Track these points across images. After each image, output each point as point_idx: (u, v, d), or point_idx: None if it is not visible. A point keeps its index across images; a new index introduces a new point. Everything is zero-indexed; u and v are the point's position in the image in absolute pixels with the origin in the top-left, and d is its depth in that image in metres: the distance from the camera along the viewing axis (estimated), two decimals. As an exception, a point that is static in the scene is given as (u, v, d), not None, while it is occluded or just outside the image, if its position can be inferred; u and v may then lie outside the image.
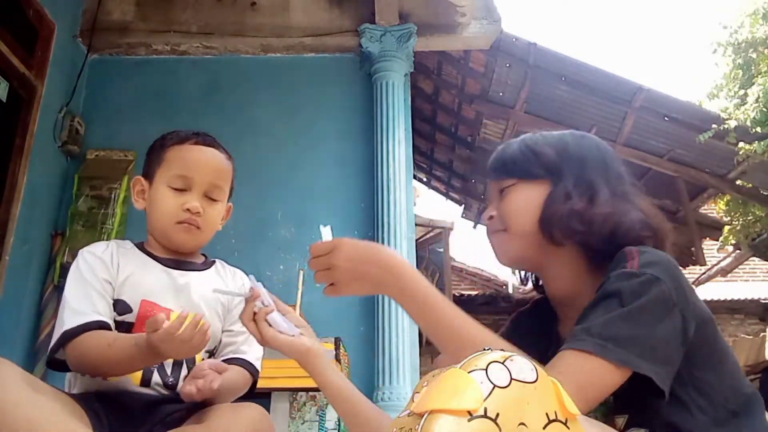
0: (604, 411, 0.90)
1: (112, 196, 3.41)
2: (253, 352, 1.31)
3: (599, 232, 0.96)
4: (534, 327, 1.12)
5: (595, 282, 0.96)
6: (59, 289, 3.27)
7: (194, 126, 3.77)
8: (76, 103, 3.64)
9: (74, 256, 3.40)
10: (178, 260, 1.31)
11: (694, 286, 0.96)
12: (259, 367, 1.31)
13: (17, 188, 3.10)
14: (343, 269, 1.00)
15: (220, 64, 3.90)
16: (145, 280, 1.24)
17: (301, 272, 3.21)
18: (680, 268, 0.92)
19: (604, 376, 0.82)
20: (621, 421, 0.90)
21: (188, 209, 1.25)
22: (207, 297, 1.28)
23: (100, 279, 1.21)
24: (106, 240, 3.28)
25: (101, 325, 1.15)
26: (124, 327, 1.20)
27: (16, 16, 3.13)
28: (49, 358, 1.20)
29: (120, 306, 1.21)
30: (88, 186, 3.44)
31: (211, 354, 1.29)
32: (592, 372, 0.81)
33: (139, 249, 1.32)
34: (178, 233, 1.27)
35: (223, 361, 1.25)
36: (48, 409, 0.91)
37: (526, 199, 1.04)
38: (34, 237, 3.25)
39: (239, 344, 1.29)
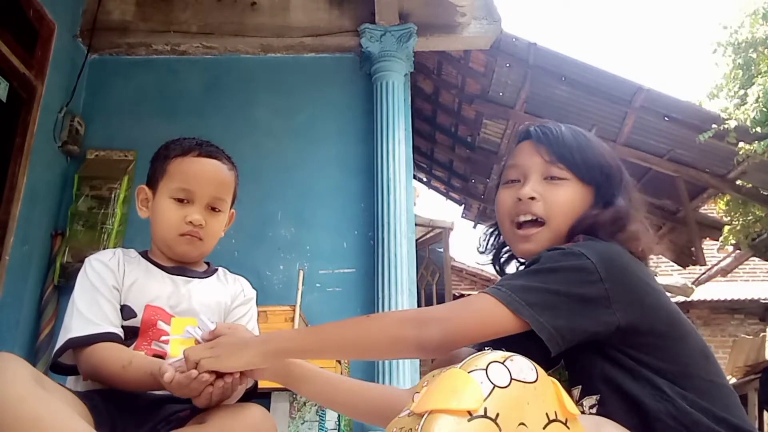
0: (566, 387, 0.91)
1: (112, 196, 3.40)
2: None
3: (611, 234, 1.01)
4: None
5: None
6: (59, 289, 3.27)
7: (194, 126, 3.75)
8: (76, 103, 3.64)
9: (74, 256, 3.42)
10: (181, 268, 1.34)
11: (652, 279, 0.99)
12: None
13: (17, 188, 3.10)
14: (222, 342, 1.04)
15: (220, 64, 3.90)
16: (150, 287, 1.27)
17: (301, 272, 3.21)
18: (634, 259, 0.98)
19: (499, 317, 0.89)
20: (576, 392, 0.94)
21: (190, 222, 1.28)
22: (207, 304, 1.31)
23: (109, 286, 1.23)
24: (106, 240, 3.30)
25: (111, 337, 1.17)
26: (129, 331, 1.22)
27: (16, 16, 3.13)
28: (51, 362, 1.21)
29: (125, 311, 1.23)
30: (88, 186, 3.44)
31: None
32: (490, 311, 0.90)
33: (144, 257, 1.34)
34: (180, 245, 1.30)
35: None
36: (53, 405, 0.91)
37: (577, 199, 1.05)
38: (34, 237, 3.25)
39: None
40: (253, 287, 1.45)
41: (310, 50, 3.89)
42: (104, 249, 3.26)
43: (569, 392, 0.91)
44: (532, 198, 1.06)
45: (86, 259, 1.29)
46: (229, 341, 1.02)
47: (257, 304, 1.44)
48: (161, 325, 1.23)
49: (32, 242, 3.24)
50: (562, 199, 1.05)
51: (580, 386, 0.94)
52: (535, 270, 0.94)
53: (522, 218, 1.07)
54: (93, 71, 3.80)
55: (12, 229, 3.06)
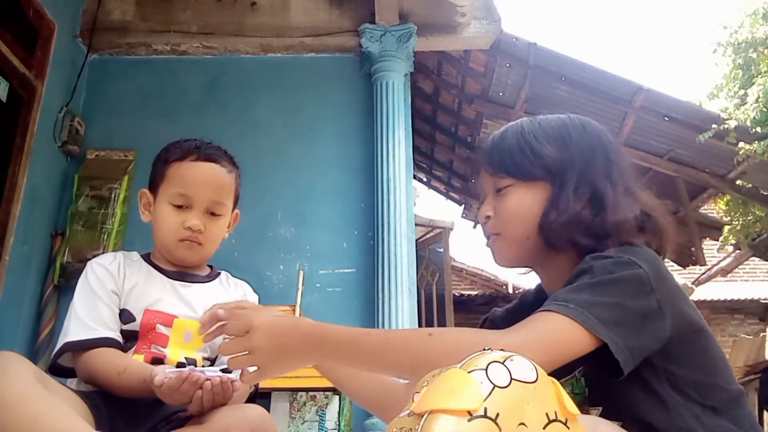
0: (579, 401, 0.90)
1: (112, 196, 3.40)
2: None
3: (604, 239, 0.94)
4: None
5: None
6: (59, 289, 3.27)
7: (194, 126, 3.77)
8: (76, 103, 3.64)
9: (74, 256, 3.42)
10: (182, 272, 1.33)
11: (687, 296, 0.93)
12: None
13: (17, 188, 3.10)
14: (264, 351, 0.89)
15: (220, 64, 3.90)
16: (150, 291, 1.27)
17: (301, 272, 3.22)
18: (668, 270, 0.91)
19: (571, 335, 0.80)
20: (595, 413, 0.90)
21: (189, 227, 1.27)
22: (207, 305, 1.29)
23: (108, 290, 1.24)
24: (106, 240, 3.29)
25: (108, 342, 1.18)
26: (129, 335, 1.23)
27: (16, 16, 3.13)
28: (50, 364, 1.22)
29: (125, 315, 1.24)
30: (88, 186, 3.44)
31: (212, 362, 1.30)
32: (564, 332, 0.81)
33: (146, 261, 1.34)
34: (180, 250, 1.30)
35: (222, 369, 1.26)
36: (54, 405, 0.92)
37: (525, 203, 1.00)
38: (34, 237, 3.25)
39: None
40: (255, 291, 1.44)
41: (310, 50, 3.89)
42: (104, 249, 3.27)
43: (585, 411, 0.89)
44: (488, 217, 1.04)
45: (88, 263, 1.30)
46: (266, 349, 0.89)
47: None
48: (160, 328, 1.23)
49: (32, 242, 3.24)
50: (508, 208, 1.01)
51: (600, 408, 0.89)
52: (595, 283, 0.85)
53: (486, 235, 1.07)
54: (93, 71, 3.80)
55: (12, 229, 3.06)
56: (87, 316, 1.20)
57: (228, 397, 1.07)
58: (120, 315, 1.24)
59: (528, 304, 1.14)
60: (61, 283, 3.26)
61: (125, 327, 1.23)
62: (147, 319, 1.23)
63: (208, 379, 1.03)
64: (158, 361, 1.20)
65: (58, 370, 1.22)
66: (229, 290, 1.38)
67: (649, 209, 0.99)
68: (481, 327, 1.16)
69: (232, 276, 1.45)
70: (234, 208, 1.41)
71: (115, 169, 3.48)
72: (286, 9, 3.93)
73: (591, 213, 0.95)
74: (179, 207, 1.29)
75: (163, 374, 1.03)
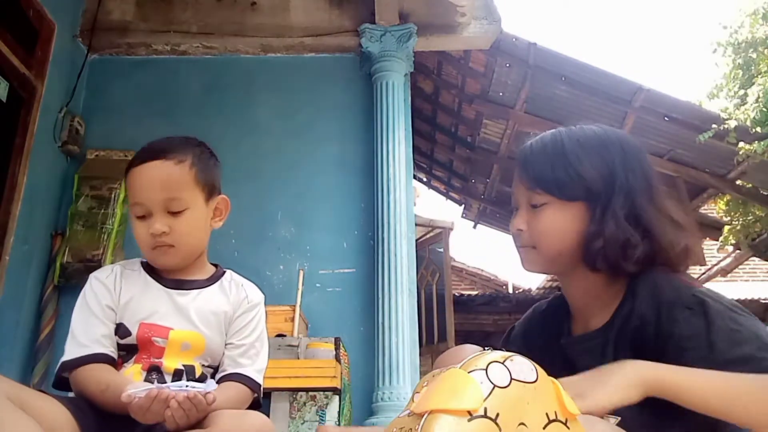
0: None
1: (112, 196, 3.40)
2: (255, 365, 1.29)
3: (649, 265, 0.95)
4: (546, 321, 1.16)
5: (612, 287, 1.00)
6: (59, 289, 3.27)
7: (194, 126, 3.77)
8: (76, 103, 3.64)
9: (74, 256, 3.42)
10: (180, 280, 1.30)
11: None
12: (259, 380, 1.29)
13: (17, 188, 3.10)
14: None
15: (220, 64, 3.90)
16: (145, 303, 1.25)
17: (301, 272, 3.21)
18: None
19: None
20: None
21: (152, 234, 1.23)
22: (206, 315, 1.28)
23: (103, 306, 1.24)
24: (106, 240, 3.29)
25: (98, 358, 1.18)
26: (128, 350, 1.23)
27: (16, 16, 3.13)
28: (54, 383, 1.23)
29: (121, 330, 1.23)
30: (88, 186, 3.43)
31: (215, 369, 1.29)
32: None
33: (146, 269, 1.32)
34: (157, 258, 1.27)
35: (221, 377, 1.26)
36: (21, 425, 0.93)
37: (561, 223, 1.01)
38: (34, 237, 3.25)
39: (237, 356, 1.28)
40: (261, 290, 1.40)
41: (310, 50, 3.89)
42: (104, 249, 3.27)
43: None
44: (520, 230, 1.06)
45: (89, 277, 1.29)
46: (594, 377, 0.85)
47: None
48: (157, 341, 1.22)
49: (32, 242, 3.24)
50: (544, 226, 1.02)
51: None
52: (755, 335, 0.84)
53: (518, 245, 1.09)
54: (93, 71, 3.80)
55: (12, 229, 3.06)
56: (81, 333, 1.21)
57: (203, 410, 1.06)
58: (117, 329, 1.23)
59: (542, 315, 1.18)
60: (61, 283, 3.25)
61: (123, 342, 1.23)
62: (142, 333, 1.22)
63: (173, 397, 1.02)
64: (155, 368, 1.20)
65: (64, 385, 1.23)
66: (230, 294, 1.34)
67: (683, 229, 1.00)
68: (504, 346, 1.18)
69: (237, 275, 1.41)
70: (211, 195, 1.31)
71: (115, 169, 3.47)
72: (286, 9, 3.93)
73: (638, 239, 0.95)
74: (142, 217, 1.25)
75: (133, 391, 1.02)
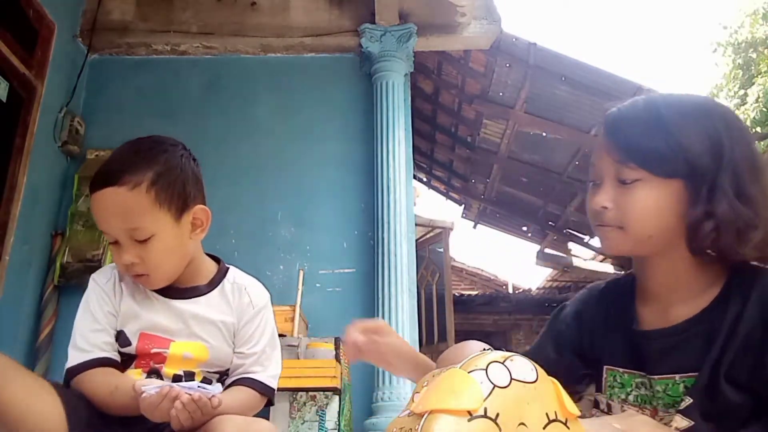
0: (667, 403, 0.88)
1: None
2: (267, 371, 1.27)
3: (753, 249, 0.85)
4: (606, 304, 1.05)
5: (707, 275, 0.91)
6: (59, 289, 3.27)
7: (194, 126, 3.75)
8: (76, 103, 3.64)
9: (74, 256, 3.41)
10: (179, 288, 1.26)
11: None
12: (273, 385, 1.26)
13: (17, 188, 3.10)
14: None
15: (220, 64, 3.90)
16: (144, 312, 1.23)
17: (301, 272, 3.22)
18: None
19: None
20: (683, 422, 0.86)
21: (124, 265, 1.18)
22: (208, 326, 1.24)
23: (105, 312, 1.22)
24: (106, 240, 3.28)
25: (102, 362, 1.17)
26: (127, 359, 1.21)
27: (16, 16, 3.13)
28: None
29: (121, 338, 1.21)
30: (88, 186, 3.43)
31: (222, 375, 1.27)
32: None
33: None
34: (139, 283, 1.22)
35: (232, 382, 1.25)
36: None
37: (657, 203, 0.89)
38: (34, 237, 3.25)
39: (248, 365, 1.26)
40: (267, 289, 1.36)
41: (310, 50, 3.89)
42: (104, 249, 3.27)
43: (669, 415, 0.87)
44: (605, 207, 0.93)
45: (90, 279, 1.27)
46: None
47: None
48: (157, 351, 1.21)
49: (32, 242, 3.24)
50: (636, 206, 0.90)
51: (692, 422, 0.85)
52: None
53: (599, 223, 0.96)
54: (93, 71, 3.80)
55: (12, 229, 3.06)
56: (82, 339, 1.19)
57: (208, 413, 1.05)
58: (117, 337, 1.21)
59: (601, 296, 1.07)
60: (61, 283, 3.25)
61: (123, 350, 1.21)
62: (142, 344, 1.20)
63: (177, 396, 1.02)
64: (155, 372, 1.18)
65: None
66: (232, 302, 1.28)
67: None
68: (552, 328, 1.11)
69: (241, 273, 1.35)
70: (182, 211, 1.20)
71: (115, 169, 3.48)
72: (286, 9, 3.94)
73: (756, 221, 0.85)
74: (114, 243, 1.19)
75: (146, 388, 1.02)
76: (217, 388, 1.08)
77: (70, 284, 3.21)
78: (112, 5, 3.91)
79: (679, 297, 0.93)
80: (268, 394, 1.25)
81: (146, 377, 1.18)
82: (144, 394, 1.02)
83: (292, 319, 2.92)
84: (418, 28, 3.77)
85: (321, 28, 3.87)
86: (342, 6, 3.94)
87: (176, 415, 1.02)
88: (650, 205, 0.89)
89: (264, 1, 3.95)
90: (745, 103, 5.73)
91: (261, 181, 3.56)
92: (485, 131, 6.17)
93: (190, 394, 1.02)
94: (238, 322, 1.27)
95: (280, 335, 2.75)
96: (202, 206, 1.24)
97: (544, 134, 5.75)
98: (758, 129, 5.17)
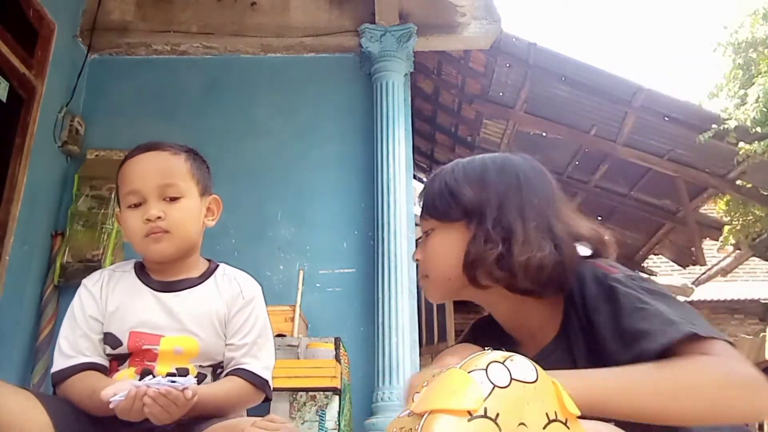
0: None
1: (112, 196, 3.40)
2: (260, 362, 1.27)
3: (521, 277, 0.93)
4: (495, 332, 1.09)
5: (539, 306, 0.97)
6: (59, 289, 3.27)
7: (194, 126, 3.76)
8: (76, 103, 3.64)
9: (74, 256, 3.41)
10: (170, 281, 1.27)
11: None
12: (266, 377, 1.27)
13: (17, 188, 3.10)
14: None
15: (220, 64, 3.90)
16: (134, 311, 1.23)
17: (301, 272, 3.22)
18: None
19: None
20: None
21: (147, 219, 1.21)
22: (198, 317, 1.25)
23: (87, 317, 1.24)
24: (106, 240, 3.29)
25: (85, 367, 1.19)
26: (120, 359, 1.22)
27: (16, 16, 3.13)
28: (53, 393, 1.24)
29: (111, 339, 1.22)
30: (88, 186, 3.44)
31: (216, 369, 1.28)
32: (729, 350, 0.80)
33: (137, 271, 1.30)
34: (149, 246, 1.23)
35: (225, 374, 1.25)
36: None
37: (445, 245, 1.01)
38: (34, 237, 3.25)
39: (239, 357, 1.26)
40: (258, 282, 1.36)
41: (310, 50, 3.89)
42: (104, 249, 3.27)
43: None
44: (417, 260, 1.08)
45: (81, 283, 1.29)
46: None
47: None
48: (148, 347, 1.21)
49: (32, 242, 3.24)
50: (432, 250, 1.03)
51: None
52: (658, 312, 0.84)
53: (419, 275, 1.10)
54: (93, 71, 3.80)
55: (12, 229, 3.05)
56: (66, 344, 1.22)
57: (183, 405, 1.05)
58: (106, 339, 1.22)
59: (486, 332, 1.12)
60: (61, 283, 3.25)
61: (115, 351, 1.22)
62: (133, 342, 1.21)
63: (145, 393, 1.03)
64: (148, 372, 1.19)
65: None
66: (223, 292, 1.30)
67: (583, 236, 0.98)
68: (467, 334, 1.16)
69: (231, 267, 1.37)
70: (204, 192, 1.31)
71: (115, 169, 3.45)
72: (286, 9, 3.93)
73: (503, 251, 0.94)
74: (136, 206, 1.23)
75: (114, 399, 1.03)
76: (188, 380, 1.08)
77: (70, 284, 3.21)
78: (112, 5, 3.91)
79: (532, 323, 0.99)
80: (260, 385, 1.26)
81: (139, 379, 1.18)
82: (112, 404, 1.03)
83: (292, 319, 2.92)
84: (418, 28, 3.77)
85: (321, 28, 3.87)
86: (342, 6, 3.94)
87: (150, 412, 1.03)
88: (442, 247, 1.02)
89: (264, 1, 3.95)
90: (745, 103, 5.72)
91: (261, 181, 3.56)
92: (485, 131, 6.17)
93: (157, 389, 1.03)
94: (228, 312, 1.28)
95: (281, 335, 2.75)
96: (216, 197, 1.34)
97: (544, 134, 5.75)
98: (758, 129, 5.16)
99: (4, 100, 3.04)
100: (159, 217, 1.21)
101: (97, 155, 3.56)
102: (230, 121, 3.70)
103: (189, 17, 3.91)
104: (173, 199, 1.23)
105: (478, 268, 0.96)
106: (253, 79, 3.85)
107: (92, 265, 3.13)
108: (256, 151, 3.62)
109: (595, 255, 0.99)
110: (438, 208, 1.02)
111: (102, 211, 3.37)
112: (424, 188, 1.09)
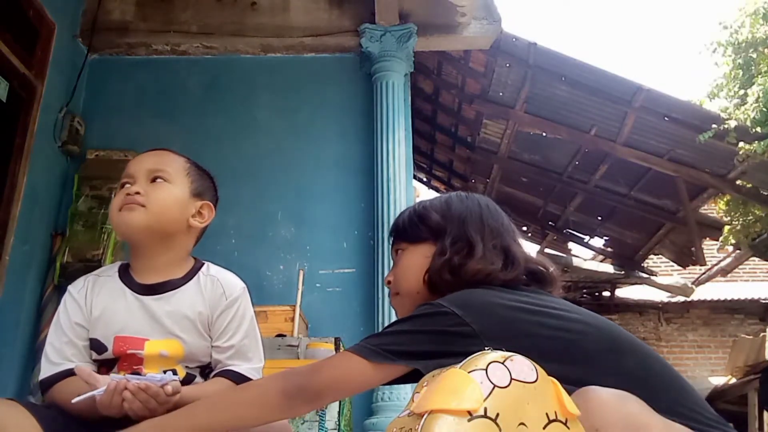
0: None
1: (112, 196, 3.39)
2: (248, 363, 1.27)
3: (469, 283, 1.04)
4: None
5: None
6: (59, 289, 3.27)
7: (194, 126, 3.76)
8: (76, 103, 3.63)
9: (74, 256, 3.40)
10: (153, 285, 1.26)
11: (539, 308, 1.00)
12: (253, 377, 1.26)
13: (17, 188, 3.10)
14: None
15: (220, 64, 3.90)
16: (117, 315, 1.24)
17: (301, 272, 3.21)
18: (496, 296, 1.00)
19: (361, 372, 0.97)
20: None
21: (127, 193, 1.24)
22: (181, 320, 1.24)
23: (73, 324, 1.25)
24: (106, 240, 3.29)
25: (71, 373, 1.19)
26: (109, 365, 1.23)
27: (16, 16, 3.13)
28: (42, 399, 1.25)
29: (96, 345, 1.23)
30: (88, 186, 3.43)
31: (204, 369, 1.28)
32: (350, 368, 0.97)
33: (121, 274, 1.30)
34: (121, 219, 1.24)
35: (213, 375, 1.26)
36: None
37: (413, 261, 1.15)
38: (34, 237, 3.25)
39: (227, 358, 1.26)
40: (243, 281, 1.34)
41: (310, 50, 3.89)
42: (104, 249, 3.27)
43: None
44: (389, 281, 1.20)
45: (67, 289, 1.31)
46: None
47: (254, 302, 1.35)
48: (133, 352, 1.21)
49: (32, 242, 3.24)
50: (401, 268, 1.17)
51: None
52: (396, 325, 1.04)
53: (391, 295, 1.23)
54: (93, 71, 3.80)
55: (12, 229, 3.05)
56: (52, 351, 1.23)
57: (163, 401, 1.06)
58: (92, 344, 1.23)
59: None
60: (61, 283, 3.25)
61: (101, 357, 1.22)
62: (118, 347, 1.21)
63: (125, 387, 1.04)
64: (137, 374, 1.17)
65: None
66: (205, 292, 1.28)
67: (529, 261, 1.12)
68: None
69: (215, 266, 1.35)
70: (198, 195, 1.32)
71: (115, 169, 3.45)
72: (286, 9, 3.93)
73: (461, 261, 1.08)
74: (124, 186, 1.28)
75: (95, 393, 1.04)
76: (168, 376, 1.08)
77: (70, 284, 3.20)
78: (112, 5, 3.91)
79: None
80: None
81: None
82: (74, 401, 1.05)
83: (292, 319, 2.92)
84: (418, 28, 3.77)
85: (321, 28, 3.86)
86: (342, 6, 3.94)
87: (129, 406, 1.04)
88: (409, 264, 1.16)
89: (264, 1, 3.95)
90: (745, 103, 5.70)
91: (261, 181, 3.56)
92: (485, 131, 6.17)
93: (137, 383, 1.04)
94: (211, 314, 1.27)
95: (281, 335, 2.75)
96: (210, 204, 1.36)
97: (544, 134, 5.75)
98: (758, 129, 5.15)
99: (4, 100, 3.04)
100: (138, 192, 1.24)
101: (97, 155, 3.56)
102: (230, 121, 3.70)
103: (189, 17, 3.91)
104: (157, 180, 1.28)
105: (438, 274, 1.09)
106: (253, 79, 3.85)
107: (92, 265, 3.12)
108: (256, 151, 3.62)
109: (540, 282, 1.10)
110: (407, 231, 1.18)
111: (102, 211, 3.37)
112: (395, 221, 1.24)
